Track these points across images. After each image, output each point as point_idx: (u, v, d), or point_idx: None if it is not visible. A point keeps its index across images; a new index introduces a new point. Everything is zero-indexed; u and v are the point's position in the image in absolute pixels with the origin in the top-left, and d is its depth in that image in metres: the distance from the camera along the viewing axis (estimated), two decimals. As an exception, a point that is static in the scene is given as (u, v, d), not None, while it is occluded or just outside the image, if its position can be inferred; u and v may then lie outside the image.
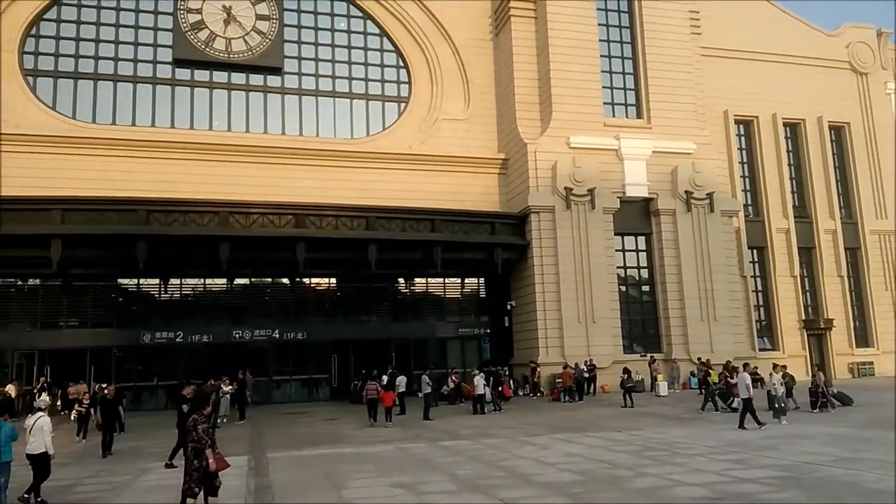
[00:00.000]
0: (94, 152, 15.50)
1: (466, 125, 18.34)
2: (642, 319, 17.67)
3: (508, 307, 17.65)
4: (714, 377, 12.92)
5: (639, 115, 18.14)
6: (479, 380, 13.03)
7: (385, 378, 12.81)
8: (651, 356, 16.76)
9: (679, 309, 17.12)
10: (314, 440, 9.52)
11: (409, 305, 18.00)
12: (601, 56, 17.83)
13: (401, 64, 18.58)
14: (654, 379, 15.94)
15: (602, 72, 17.74)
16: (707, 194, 17.61)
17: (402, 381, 13.06)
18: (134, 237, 13.88)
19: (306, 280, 17.27)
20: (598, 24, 17.93)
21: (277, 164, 16.61)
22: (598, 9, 18.03)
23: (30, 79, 15.85)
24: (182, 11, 16.79)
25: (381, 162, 17.37)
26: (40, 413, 5.96)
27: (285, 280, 17.09)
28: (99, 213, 14.07)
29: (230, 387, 12.51)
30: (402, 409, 12.72)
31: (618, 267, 17.30)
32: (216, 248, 14.29)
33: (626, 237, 17.63)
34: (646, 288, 17.78)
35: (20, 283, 15.12)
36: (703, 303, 17.16)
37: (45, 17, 16.22)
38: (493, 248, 16.66)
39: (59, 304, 15.11)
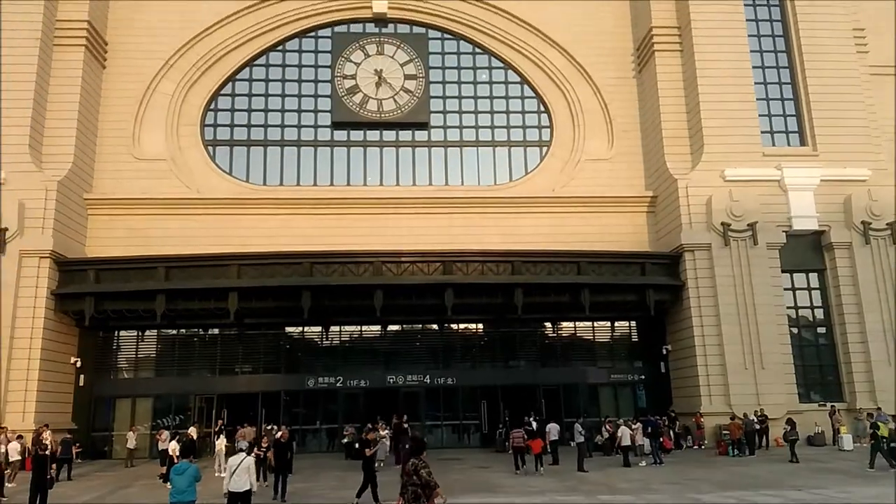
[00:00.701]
0: (264, 211, 16.98)
1: (610, 164, 18.02)
2: (820, 365, 16.04)
3: (664, 352, 16.78)
4: (884, 430, 11.29)
5: (802, 143, 16.85)
6: (623, 430, 12.43)
7: (533, 424, 12.57)
8: (832, 406, 15.12)
9: (862, 353, 15.38)
10: (470, 487, 9.51)
11: (558, 350, 17.66)
12: (755, 83, 16.90)
13: (542, 108, 18.74)
14: (836, 431, 14.34)
15: (757, 99, 16.76)
16: (888, 224, 15.86)
17: (553, 428, 12.76)
18: (299, 288, 14.95)
19: (454, 326, 17.58)
20: (751, 51, 17.07)
21: (426, 213, 17.23)
22: (749, 35, 17.19)
23: (210, 148, 17.79)
24: (339, 78, 18.20)
25: (524, 206, 17.46)
26: (243, 454, 6.72)
27: (435, 326, 17.50)
28: (269, 267, 15.36)
29: (387, 431, 12.90)
30: (556, 459, 12.40)
31: (787, 307, 15.93)
32: (371, 296, 15.02)
33: (794, 274, 16.25)
34: (821, 330, 16.18)
35: (202, 332, 16.71)
36: (891, 345, 15.28)
37: (221, 93, 18.22)
38: (645, 289, 16.00)
39: (234, 351, 16.52)
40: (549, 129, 18.57)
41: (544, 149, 18.46)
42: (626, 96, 18.38)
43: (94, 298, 14.52)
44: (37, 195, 14.39)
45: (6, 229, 13.97)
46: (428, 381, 16.57)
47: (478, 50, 18.90)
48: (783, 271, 15.93)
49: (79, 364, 15.13)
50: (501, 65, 18.89)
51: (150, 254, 15.55)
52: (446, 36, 18.92)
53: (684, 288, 15.88)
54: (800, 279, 16.32)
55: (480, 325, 17.75)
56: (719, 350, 15.20)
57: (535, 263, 16.00)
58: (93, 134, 16.59)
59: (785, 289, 16.00)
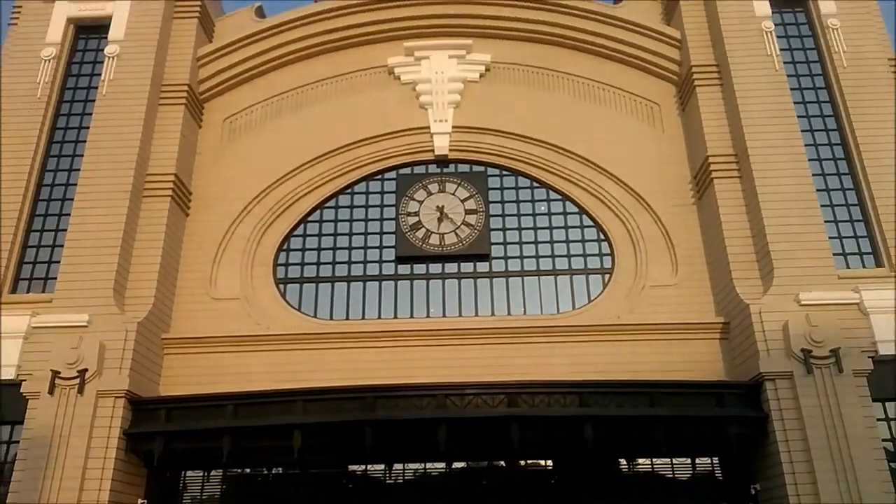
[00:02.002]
0: (330, 346, 17.26)
1: (676, 290, 17.65)
2: (933, 507, 14.35)
3: (752, 491, 15.43)
4: None
5: (878, 264, 16.17)
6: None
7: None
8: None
9: (980, 493, 13.74)
10: None
11: (632, 488, 16.49)
12: (822, 206, 16.62)
13: (601, 237, 18.85)
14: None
15: (826, 221, 16.41)
16: None
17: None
18: (362, 423, 14.83)
19: (522, 461, 16.84)
20: (813, 175, 16.94)
21: (489, 344, 17.12)
22: (810, 159, 17.14)
23: (281, 286, 18.53)
24: (403, 216, 19.00)
25: (589, 334, 17.11)
26: None
27: (501, 462, 16.81)
28: (334, 402, 15.37)
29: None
30: None
31: (883, 440, 14.58)
32: (434, 431, 14.70)
33: (887, 403, 15.01)
34: (928, 466, 14.64)
35: (266, 472, 16.57)
36: None
37: (293, 234, 19.21)
38: (723, 422, 15.03)
39: (297, 491, 16.20)
40: (609, 257, 18.56)
41: (606, 276, 18.35)
42: (687, 222, 18.32)
43: (163, 438, 14.77)
44: (117, 336, 15.14)
45: (86, 370, 14.61)
46: (499, 522, 15.68)
47: (535, 184, 19.49)
48: (874, 400, 14.74)
49: (145, 505, 15.14)
50: (559, 196, 19.34)
51: (221, 391, 15.90)
52: (504, 172, 19.67)
53: (768, 420, 14.83)
54: (894, 409, 15.05)
55: (549, 462, 16.95)
56: (813, 490, 13.86)
57: (603, 394, 15.41)
58: (173, 276, 17.63)
59: (878, 419, 14.73)
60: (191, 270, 18.00)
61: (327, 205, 19.56)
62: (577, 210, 19.14)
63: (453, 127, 19.61)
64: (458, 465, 16.65)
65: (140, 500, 15.11)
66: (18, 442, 14.54)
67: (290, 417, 14.96)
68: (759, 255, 16.58)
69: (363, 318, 18.13)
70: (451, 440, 14.86)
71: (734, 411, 15.17)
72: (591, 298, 18.07)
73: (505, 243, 18.90)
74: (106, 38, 18.89)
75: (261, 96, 20.24)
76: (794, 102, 17.83)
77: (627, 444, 15.89)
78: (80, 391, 14.50)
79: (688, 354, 16.77)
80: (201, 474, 16.16)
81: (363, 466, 16.62)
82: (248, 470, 16.46)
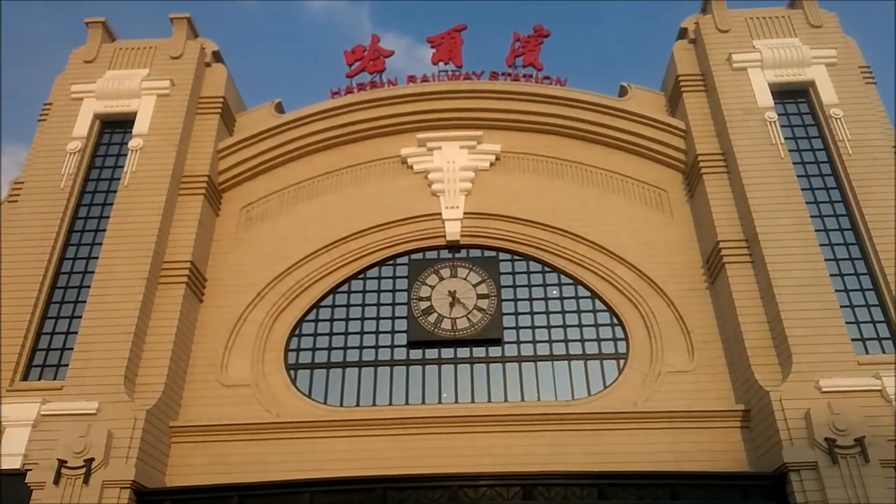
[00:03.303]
0: (339, 433, 16.89)
1: (694, 376, 17.32)
2: None
3: (783, 592, 14.54)
4: None
5: (898, 349, 15.91)
6: None
7: None
8: None
9: None
10: None
11: (659, 590, 15.60)
12: (836, 290, 16.53)
13: (615, 321, 18.73)
14: None
15: (842, 307, 16.26)
16: None
17: None
18: (371, 517, 14.36)
19: (540, 559, 16.04)
20: (826, 259, 16.96)
21: (503, 431, 16.70)
22: (821, 244, 17.16)
23: (292, 372, 18.39)
24: (415, 301, 19.06)
25: (605, 422, 16.66)
26: None
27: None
28: (342, 494, 14.93)
29: None
30: None
31: (921, 537, 13.83)
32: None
33: (921, 496, 14.31)
34: (973, 565, 13.77)
35: (273, 567, 15.85)
36: None
37: (306, 319, 19.25)
38: (750, 516, 14.41)
39: (303, 589, 15.44)
40: (624, 341, 18.36)
41: (621, 361, 18.09)
42: (701, 307, 18.21)
43: (167, 531, 14.32)
44: (126, 425, 14.96)
45: (92, 460, 14.36)
46: None
47: (547, 268, 19.60)
48: (907, 492, 14.10)
49: None
50: (571, 281, 19.39)
51: (228, 481, 15.50)
52: (516, 257, 19.85)
53: (796, 514, 14.19)
54: (931, 502, 14.33)
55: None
56: (851, 592, 13.08)
57: (622, 486, 14.91)
58: (184, 363, 17.59)
59: (914, 514, 14.03)
60: (202, 356, 17.97)
61: (340, 290, 19.69)
62: (589, 294, 19.14)
63: (465, 213, 19.98)
64: (472, 563, 15.89)
65: None
66: (19, 536, 14.13)
67: (298, 510, 14.50)
68: (777, 340, 16.34)
69: (374, 404, 17.86)
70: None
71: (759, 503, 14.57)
72: (607, 384, 17.73)
73: (517, 328, 18.80)
74: (130, 132, 19.76)
75: (277, 186, 20.85)
76: (802, 189, 18.08)
77: (649, 540, 15.15)
78: (86, 481, 14.19)
79: (707, 443, 16.24)
80: (205, 571, 15.52)
81: (373, 563, 15.89)
82: (252, 566, 15.77)
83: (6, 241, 17.83)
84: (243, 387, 17.58)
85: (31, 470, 14.58)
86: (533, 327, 18.82)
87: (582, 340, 18.52)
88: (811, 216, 17.68)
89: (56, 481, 14.24)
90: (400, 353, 18.72)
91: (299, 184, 20.89)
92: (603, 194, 20.20)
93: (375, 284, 19.84)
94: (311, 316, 19.35)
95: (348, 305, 19.50)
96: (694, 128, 19.94)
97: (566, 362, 18.24)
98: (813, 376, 15.24)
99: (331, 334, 19.06)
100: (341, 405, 17.84)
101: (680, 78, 20.83)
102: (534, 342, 18.58)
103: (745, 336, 16.60)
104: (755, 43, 20.49)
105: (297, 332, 19.10)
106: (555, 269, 19.55)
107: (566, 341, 18.55)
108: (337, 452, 16.44)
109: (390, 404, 17.82)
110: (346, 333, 19.05)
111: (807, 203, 17.85)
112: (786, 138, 18.99)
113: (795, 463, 14.42)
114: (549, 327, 18.79)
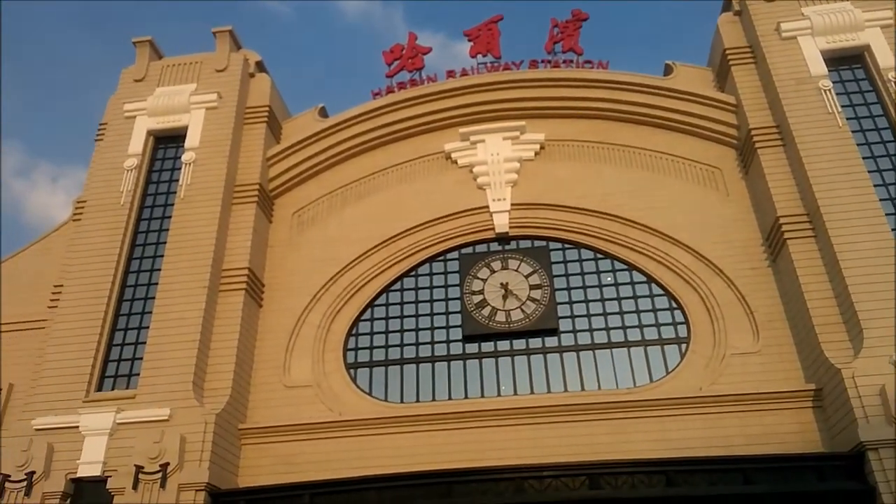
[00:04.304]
0: (401, 429, 17.06)
1: (760, 357, 16.84)
2: None
3: (867, 575, 14.03)
4: None
5: (976, 318, 15.12)
6: None
7: None
8: None
9: None
10: None
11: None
12: (907, 261, 15.81)
13: (673, 305, 18.37)
14: None
15: (915, 277, 15.60)
16: None
17: None
18: (439, 511, 14.48)
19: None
20: (893, 229, 16.21)
21: (564, 421, 16.58)
22: (886, 214, 16.44)
23: (351, 371, 18.66)
24: (467, 295, 19.10)
25: (669, 408, 16.37)
26: None
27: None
28: (409, 489, 15.08)
29: None
30: None
31: None
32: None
33: None
34: None
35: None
36: None
37: (361, 318, 19.50)
38: (825, 497, 13.98)
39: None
40: (685, 325, 17.99)
41: (683, 346, 17.74)
42: (763, 286, 17.68)
43: (242, 531, 14.73)
44: (197, 429, 15.44)
45: (168, 464, 14.87)
46: None
47: (599, 255, 19.35)
48: None
49: None
50: (625, 266, 19.10)
51: (295, 480, 15.85)
52: (567, 245, 19.66)
53: (876, 495, 13.66)
54: None
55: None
56: (940, 572, 12.54)
57: (692, 473, 14.64)
58: (248, 367, 18.04)
59: None
60: (265, 360, 18.40)
61: (393, 288, 19.87)
62: (644, 279, 18.81)
63: (512, 205, 19.88)
64: (542, 554, 15.85)
65: None
66: (104, 539, 14.76)
67: (366, 507, 14.72)
68: (846, 316, 15.76)
69: (433, 399, 17.97)
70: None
71: (836, 485, 14.08)
72: (669, 370, 17.41)
73: (573, 316, 18.63)
74: (182, 146, 20.33)
75: (326, 189, 21.16)
76: (863, 157, 17.38)
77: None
78: (163, 485, 14.72)
79: (778, 425, 15.79)
80: (281, 568, 15.91)
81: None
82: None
83: (73, 258, 18.59)
84: (306, 387, 17.92)
85: (110, 476, 15.19)
86: (589, 315, 18.61)
87: (640, 326, 18.22)
88: (874, 185, 16.97)
89: (135, 486, 14.81)
90: (456, 348, 18.77)
91: (347, 186, 21.15)
92: (653, 176, 19.81)
93: (427, 281, 19.95)
94: (367, 315, 19.58)
95: (402, 303, 19.65)
96: (745, 102, 19.36)
97: (625, 349, 17.98)
98: (885, 351, 14.63)
99: (387, 332, 19.25)
100: (401, 401, 18.02)
101: (727, 51, 20.24)
102: (590, 330, 18.38)
103: (812, 313, 16.05)
104: (804, 10, 19.75)
105: (353, 331, 19.36)
106: (607, 255, 19.28)
107: (624, 328, 18.29)
108: (400, 448, 16.61)
109: (449, 399, 17.91)
110: (402, 331, 19.21)
111: (869, 172, 17.15)
112: (842, 106, 18.26)
113: (872, 441, 13.89)
114: (605, 314, 18.55)
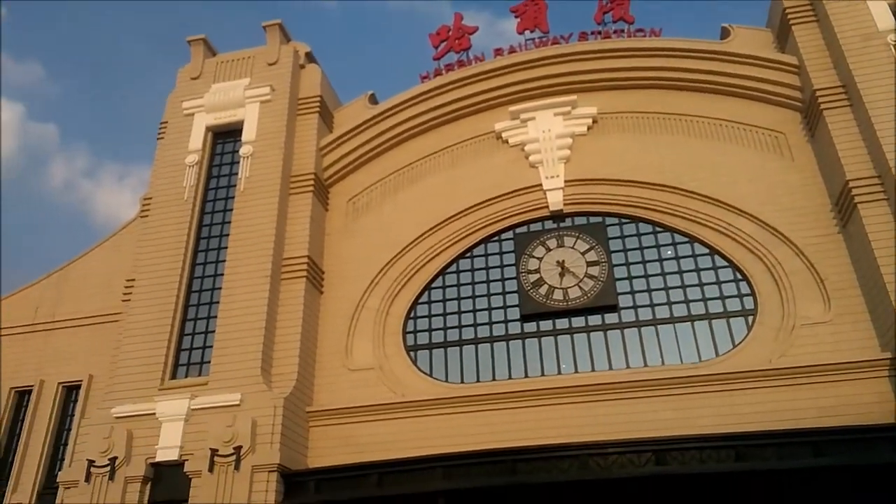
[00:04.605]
0: (463, 409, 17.21)
1: (832, 327, 16.20)
2: None
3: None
4: None
5: None
6: None
7: None
8: None
9: None
10: None
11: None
12: None
13: (738, 276, 17.83)
14: None
15: None
16: None
17: None
18: (504, 488, 14.57)
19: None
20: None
21: (627, 399, 16.40)
22: (967, 170, 15.54)
23: (411, 353, 18.90)
24: (524, 274, 19.03)
25: (737, 382, 15.97)
26: None
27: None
28: (473, 467, 15.22)
29: None
30: None
31: None
32: (580, 493, 14.13)
33: None
34: None
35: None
36: None
37: (419, 301, 19.69)
38: (907, 470, 13.38)
39: (445, 560, 15.95)
40: (751, 297, 17.45)
41: (749, 318, 17.22)
42: (833, 253, 16.95)
43: (314, 510, 15.21)
44: (267, 413, 15.99)
45: (241, 447, 15.46)
46: (657, 593, 14.58)
47: (658, 229, 18.94)
48: None
49: (301, 578, 15.44)
50: (685, 239, 18.63)
51: (361, 460, 16.23)
52: (624, 220, 19.30)
53: (960, 465, 13.04)
54: None
55: (709, 524, 15.74)
56: None
57: (761, 447, 14.22)
58: (312, 351, 18.51)
59: None
60: (328, 344, 18.84)
61: (449, 270, 19.98)
62: (707, 251, 18.31)
63: (566, 181, 19.63)
64: (609, 530, 15.80)
65: (296, 574, 15.46)
66: (185, 520, 15.50)
67: (433, 484, 14.96)
68: (925, 281, 14.99)
69: (493, 379, 18.04)
70: (598, 502, 14.23)
71: (918, 457, 13.48)
72: (736, 343, 16.94)
73: (632, 292, 18.32)
74: (239, 140, 20.87)
75: (378, 175, 21.38)
76: (939, 112, 16.38)
77: (793, 501, 14.43)
78: (237, 467, 15.33)
79: (852, 396, 15.18)
80: (353, 545, 16.36)
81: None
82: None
83: (143, 253, 19.41)
84: (368, 370, 18.28)
85: (187, 460, 15.91)
86: (649, 290, 18.27)
87: (704, 300, 17.78)
88: (953, 141, 16.01)
89: (210, 469, 15.47)
90: (514, 328, 18.76)
91: (399, 171, 21.31)
92: (713, 145, 19.18)
93: (483, 262, 19.96)
94: (424, 298, 19.76)
95: (458, 285, 19.75)
96: (808, 62, 18.49)
97: (689, 324, 17.59)
98: (970, 316, 13.90)
99: (444, 314, 19.39)
100: (462, 382, 18.17)
101: (787, 10, 19.32)
102: (651, 306, 18.04)
103: (887, 279, 15.30)
104: (868, -39, 18.66)
105: (411, 314, 19.58)
106: (667, 228, 18.84)
107: (687, 302, 17.88)
108: (462, 428, 16.78)
109: (510, 378, 17.95)
110: (459, 312, 19.31)
111: (946, 127, 16.15)
112: (915, 61, 17.23)
113: (957, 411, 13.26)
114: (666, 289, 18.17)
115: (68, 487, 16.46)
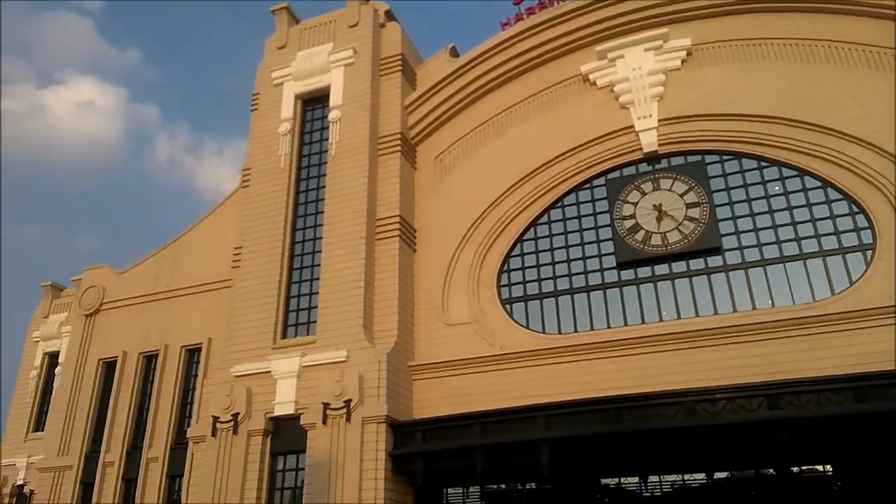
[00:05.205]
0: (562, 359, 17.20)
1: (964, 258, 14.86)
2: None
3: None
4: None
5: None
6: None
7: None
8: None
9: None
10: None
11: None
12: None
13: (854, 209, 16.59)
14: None
15: None
16: None
17: None
18: (608, 436, 14.54)
19: (794, 468, 15.18)
20: None
21: (735, 343, 15.80)
22: None
23: (507, 306, 18.95)
24: (618, 220, 18.52)
25: (856, 321, 15.00)
26: None
27: (770, 470, 15.30)
28: (575, 416, 15.22)
29: None
30: None
31: None
32: (686, 440, 13.88)
33: None
34: None
35: (520, 487, 16.82)
36: None
37: (511, 254, 19.63)
38: None
39: (553, 505, 16.25)
40: (869, 230, 16.22)
41: (868, 252, 16.05)
42: (966, 176, 15.43)
43: (423, 458, 15.77)
44: (372, 368, 16.62)
45: (350, 400, 16.19)
46: (774, 538, 14.25)
47: (763, 163, 17.84)
48: None
49: (414, 522, 16.18)
50: (794, 173, 17.46)
51: (464, 411, 16.62)
52: (725, 157, 18.30)
53: None
54: None
55: (829, 466, 15.10)
56: None
57: (885, 387, 13.39)
58: (410, 309, 18.95)
59: None
60: (424, 301, 19.21)
61: (540, 221, 19.74)
62: (819, 184, 17.10)
63: (659, 120, 18.76)
64: (719, 475, 15.51)
65: (410, 518, 16.22)
66: (304, 469, 16.51)
67: (536, 433, 15.12)
68: None
69: (592, 328, 17.85)
70: (707, 448, 13.95)
71: None
72: (853, 280, 15.87)
73: (737, 233, 17.45)
74: (327, 105, 21.26)
75: (464, 130, 21.22)
76: None
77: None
78: (348, 419, 16.11)
79: None
80: (461, 491, 16.95)
81: (617, 479, 16.18)
82: (503, 486, 16.87)
83: (247, 221, 20.36)
84: (465, 325, 18.53)
85: (302, 414, 16.85)
86: (756, 230, 17.33)
87: (817, 236, 16.69)
88: None
89: (324, 421, 16.33)
90: (611, 276, 18.38)
91: (485, 123, 21.07)
92: (818, 68, 17.70)
93: (575, 210, 19.58)
94: (516, 251, 19.67)
95: (550, 235, 19.50)
96: (933, -33, 16.56)
97: (801, 262, 16.60)
98: None
99: (538, 266, 19.26)
100: (559, 333, 18.10)
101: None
102: (759, 245, 17.14)
103: None
104: None
105: (505, 268, 19.57)
106: (773, 162, 17.70)
107: (798, 239, 16.86)
108: (562, 378, 16.78)
109: (608, 327, 17.69)
110: (553, 263, 19.12)
111: None
112: None
113: None
114: (774, 227, 17.18)
115: (197, 442, 17.90)
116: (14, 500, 23.30)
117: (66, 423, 21.30)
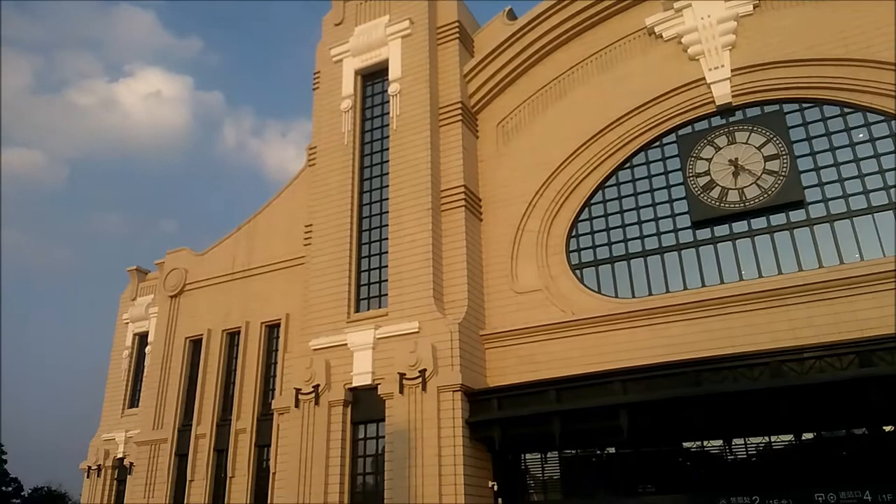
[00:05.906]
0: (636, 323, 16.91)
1: None
2: None
3: None
4: None
5: None
6: None
7: None
8: None
9: None
10: None
11: None
12: None
13: (951, 153, 15.45)
14: None
15: None
16: None
17: None
18: (689, 399, 14.25)
19: (887, 427, 14.48)
20: None
21: (821, 299, 15.14)
22: None
23: (577, 272, 18.70)
24: (691, 178, 17.87)
25: (956, 273, 14.10)
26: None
27: (863, 429, 14.66)
28: (653, 380, 14.99)
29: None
30: None
31: None
32: (772, 401, 13.45)
33: None
34: None
35: (599, 452, 16.74)
36: None
37: (579, 219, 19.29)
38: None
39: (632, 471, 16.10)
40: (968, 175, 15.11)
41: (968, 199, 14.97)
42: None
43: (500, 425, 15.90)
44: (444, 338, 16.78)
45: (425, 370, 16.43)
46: (868, 498, 13.66)
47: (846, 109, 16.80)
48: None
49: (495, 488, 16.38)
50: (880, 117, 16.38)
51: (538, 378, 16.63)
52: (805, 105, 17.32)
53: None
54: None
55: (926, 427, 14.35)
56: None
57: None
58: (479, 278, 18.97)
59: None
60: (493, 270, 19.18)
61: (608, 184, 19.27)
62: (909, 128, 16.01)
63: (732, 70, 17.88)
64: (807, 435, 14.97)
65: (490, 483, 16.42)
66: (383, 437, 16.94)
67: (612, 398, 14.98)
68: None
69: (667, 291, 17.41)
70: (793, 409, 13.48)
71: None
72: (951, 229, 14.89)
73: (821, 184, 16.57)
74: (387, 79, 21.24)
75: (525, 95, 20.83)
76: None
77: None
78: (424, 388, 16.38)
79: None
80: (539, 457, 17.00)
81: (699, 443, 15.87)
82: (581, 451, 16.85)
83: (316, 199, 20.74)
84: (535, 292, 18.40)
85: (379, 384, 17.23)
86: (841, 180, 16.41)
87: (908, 183, 15.69)
88: None
89: (401, 391, 16.67)
90: (685, 236, 17.83)
91: (546, 86, 20.61)
92: (909, 3, 16.40)
93: (644, 170, 19.00)
94: (584, 216, 19.31)
95: (619, 197, 19.03)
96: None
97: (891, 212, 15.64)
98: None
99: (608, 229, 18.87)
100: (633, 296, 17.74)
101: None
102: (845, 197, 16.24)
103: None
104: None
105: (573, 233, 19.27)
106: (857, 107, 16.62)
107: (887, 188, 15.87)
108: (636, 342, 16.52)
109: (684, 289, 17.21)
110: (623, 226, 18.69)
111: None
112: None
113: None
114: (861, 176, 16.22)
115: (281, 413, 18.62)
116: (116, 472, 24.94)
117: (158, 399, 22.57)
